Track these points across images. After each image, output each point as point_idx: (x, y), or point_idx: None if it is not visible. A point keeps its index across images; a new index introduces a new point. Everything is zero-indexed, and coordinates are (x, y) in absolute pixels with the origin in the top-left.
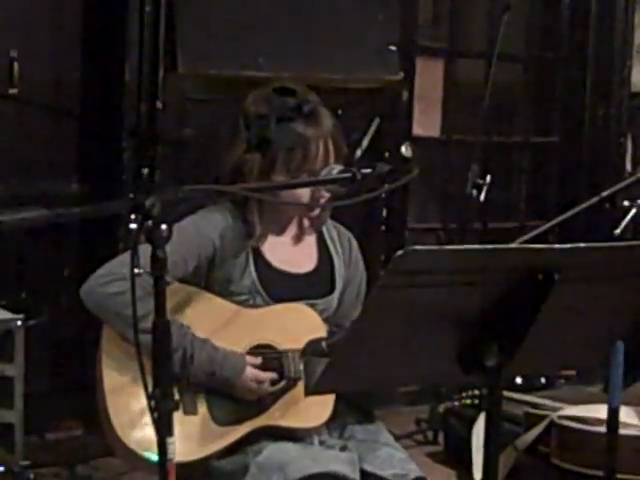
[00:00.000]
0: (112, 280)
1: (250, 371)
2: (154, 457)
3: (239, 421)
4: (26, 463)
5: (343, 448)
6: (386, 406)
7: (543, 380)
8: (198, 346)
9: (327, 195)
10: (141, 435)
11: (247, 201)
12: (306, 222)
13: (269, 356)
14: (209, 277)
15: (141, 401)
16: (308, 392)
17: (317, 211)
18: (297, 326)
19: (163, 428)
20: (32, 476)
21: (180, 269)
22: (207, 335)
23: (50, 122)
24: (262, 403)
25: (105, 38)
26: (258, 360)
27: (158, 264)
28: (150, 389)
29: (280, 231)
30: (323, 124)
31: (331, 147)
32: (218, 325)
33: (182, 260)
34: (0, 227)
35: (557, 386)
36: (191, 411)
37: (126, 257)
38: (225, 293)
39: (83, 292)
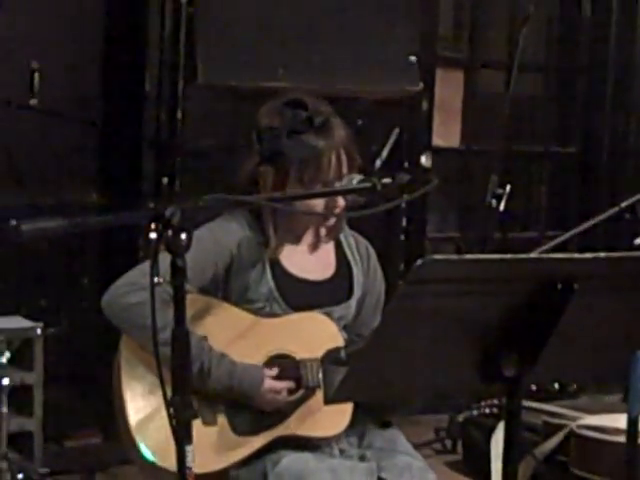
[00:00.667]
0: (132, 290)
1: (268, 383)
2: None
3: (258, 431)
4: (45, 470)
5: (362, 458)
6: (405, 415)
7: (557, 386)
8: (216, 360)
9: (342, 204)
10: (161, 444)
11: (261, 212)
12: (323, 231)
13: (287, 366)
14: (227, 286)
15: (160, 410)
16: (327, 401)
17: (333, 220)
18: (314, 335)
19: (182, 436)
20: None
21: (198, 278)
22: (225, 345)
23: (70, 132)
24: (280, 413)
25: (125, 49)
26: (275, 371)
27: (178, 273)
28: (169, 397)
29: (296, 240)
30: (335, 135)
31: (344, 158)
32: (236, 335)
33: (200, 269)
34: (21, 236)
35: (574, 393)
36: (210, 422)
37: (146, 267)
38: (242, 301)
39: (104, 302)
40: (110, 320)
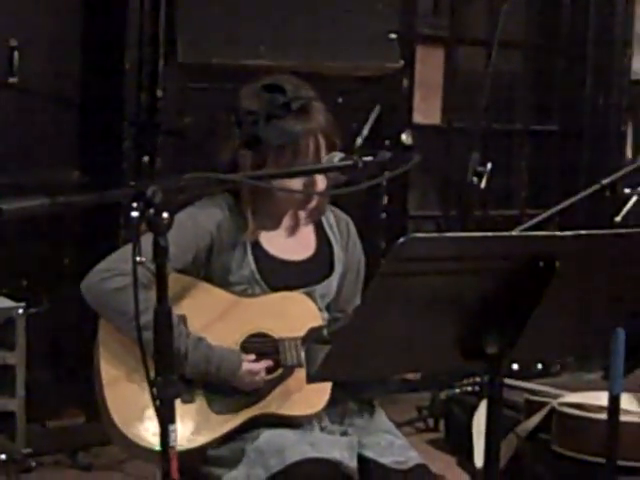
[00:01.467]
0: (112, 276)
1: (246, 365)
2: (155, 447)
3: (236, 409)
4: (28, 451)
5: (344, 434)
6: (386, 394)
7: (540, 366)
8: (192, 345)
9: (322, 185)
10: (139, 425)
11: (241, 196)
12: (302, 214)
13: (265, 344)
14: (208, 267)
15: (139, 392)
16: (310, 379)
17: (314, 203)
18: (293, 314)
19: (165, 415)
20: (33, 464)
21: (179, 261)
22: (204, 324)
23: (50, 111)
24: (259, 392)
25: (105, 27)
26: (252, 357)
27: (160, 252)
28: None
29: (274, 225)
30: (313, 120)
31: (322, 142)
32: (215, 315)
33: (181, 252)
34: (1, 215)
35: (555, 372)
36: (188, 400)
37: (126, 251)
38: (224, 283)
39: (83, 287)
40: (89, 304)
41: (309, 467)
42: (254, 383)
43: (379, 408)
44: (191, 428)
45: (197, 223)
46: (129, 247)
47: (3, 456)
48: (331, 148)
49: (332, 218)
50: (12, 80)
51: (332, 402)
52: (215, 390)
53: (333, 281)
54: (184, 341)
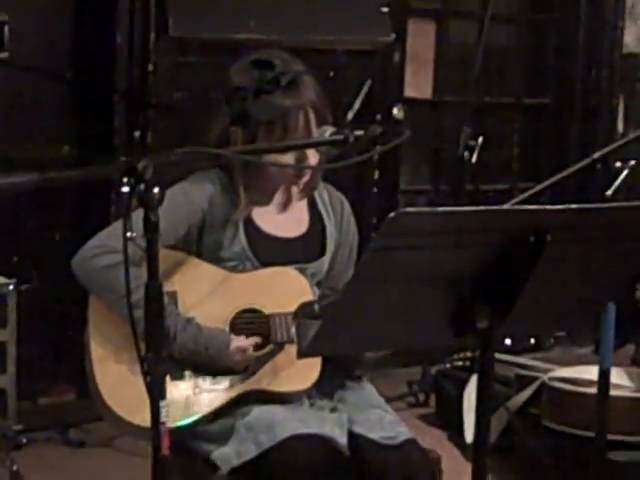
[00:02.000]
0: (101, 253)
1: (234, 344)
2: (146, 424)
3: (226, 386)
4: (19, 427)
5: (333, 410)
6: (376, 369)
7: (533, 341)
8: (182, 325)
9: (314, 160)
10: (130, 403)
11: (233, 171)
12: (294, 190)
13: (255, 320)
14: (199, 243)
15: (129, 369)
16: (300, 354)
17: (306, 178)
18: (284, 290)
19: (156, 391)
20: (25, 440)
21: (170, 236)
22: (195, 300)
23: (41, 86)
24: (249, 368)
25: (96, 1)
26: (241, 338)
27: (151, 227)
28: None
29: (266, 201)
30: (302, 95)
31: (312, 117)
32: (206, 290)
33: (172, 227)
34: None
35: (547, 347)
36: (177, 377)
37: (116, 228)
38: (215, 259)
39: (73, 264)
40: (80, 281)
41: (300, 443)
42: (244, 361)
43: (369, 383)
44: (181, 405)
45: (189, 198)
46: (119, 224)
47: None
48: (322, 122)
49: (326, 195)
50: (2, 55)
51: (322, 377)
52: (205, 368)
53: (325, 261)
54: (173, 321)
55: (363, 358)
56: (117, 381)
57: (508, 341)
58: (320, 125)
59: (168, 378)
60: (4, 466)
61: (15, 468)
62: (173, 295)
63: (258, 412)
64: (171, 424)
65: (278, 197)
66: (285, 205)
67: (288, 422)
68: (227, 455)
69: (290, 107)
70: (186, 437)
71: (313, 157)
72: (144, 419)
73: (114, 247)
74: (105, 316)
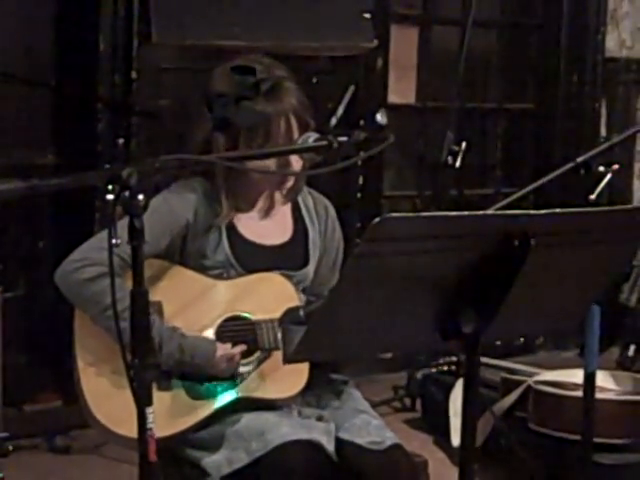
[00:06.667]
0: (85, 265)
1: (220, 352)
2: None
3: (214, 395)
4: (5, 435)
5: (319, 418)
6: (362, 374)
7: (522, 340)
8: (167, 335)
9: (298, 165)
10: (117, 413)
11: (215, 178)
12: (278, 195)
13: (242, 328)
14: (183, 252)
15: (114, 379)
16: (286, 360)
17: (290, 183)
18: (270, 296)
19: (142, 398)
20: (11, 447)
21: (153, 247)
22: (180, 308)
23: (23, 92)
24: (236, 376)
25: (78, 7)
26: (228, 345)
27: (136, 234)
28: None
29: (249, 207)
30: (284, 100)
31: (294, 123)
32: (190, 298)
33: (156, 239)
34: None
35: (535, 346)
36: (165, 387)
37: (98, 239)
38: (199, 268)
39: (56, 277)
40: (63, 294)
41: (292, 449)
42: (230, 369)
43: (355, 388)
44: (169, 415)
45: (172, 209)
46: (101, 235)
47: None
48: (304, 128)
49: (310, 201)
50: None
51: (308, 384)
52: (192, 376)
53: (310, 270)
54: (158, 331)
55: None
56: (103, 392)
57: (498, 341)
58: (302, 131)
59: (155, 388)
60: None
61: (1, 475)
62: (158, 305)
63: (247, 419)
64: (160, 434)
65: (261, 203)
66: (268, 211)
67: (279, 428)
68: (218, 463)
69: (271, 113)
70: (174, 444)
71: (296, 162)
72: (130, 429)
73: (95, 259)
74: (90, 327)
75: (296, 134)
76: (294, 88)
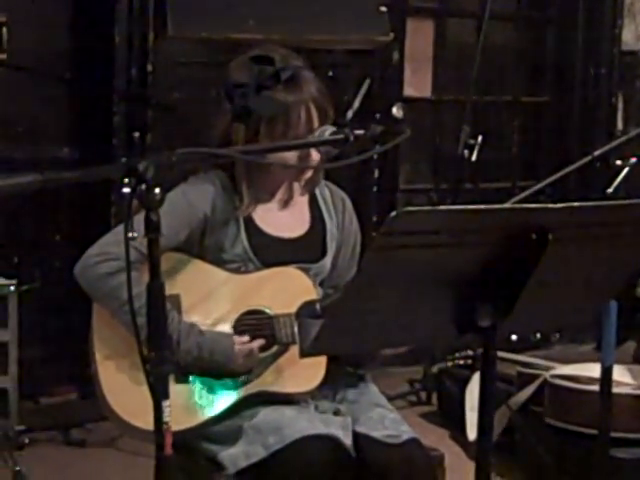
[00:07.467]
0: (105, 260)
1: (238, 347)
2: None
3: (232, 388)
4: (21, 428)
5: (336, 412)
6: (378, 367)
7: (538, 335)
8: (185, 332)
9: (316, 156)
10: (134, 406)
11: (234, 169)
12: (296, 186)
13: (260, 322)
14: (201, 245)
15: (131, 373)
16: (303, 354)
17: (309, 174)
18: (287, 290)
19: (159, 391)
20: (27, 440)
21: (171, 240)
22: (197, 302)
23: (40, 87)
24: (254, 370)
25: (95, 1)
26: (245, 338)
27: (152, 227)
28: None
29: (269, 198)
30: (304, 90)
31: (314, 112)
32: (209, 293)
33: (173, 232)
34: None
35: (552, 341)
36: (182, 380)
37: (116, 233)
38: (217, 261)
39: (76, 272)
40: (82, 289)
41: (309, 444)
42: (249, 363)
43: (371, 382)
44: (186, 408)
45: (190, 202)
46: (119, 229)
47: None
48: (324, 117)
49: (327, 193)
50: (1, 56)
51: (325, 378)
52: (210, 372)
53: (327, 262)
54: (176, 328)
55: (377, 354)
56: (121, 385)
57: (514, 336)
58: (322, 120)
59: (173, 382)
60: (7, 466)
61: (18, 468)
62: (176, 299)
63: (265, 413)
64: (177, 428)
65: (280, 193)
66: (287, 202)
67: (296, 423)
68: (235, 456)
69: (292, 102)
70: (190, 437)
71: (315, 154)
72: (147, 422)
73: (114, 254)
74: (108, 321)
75: (316, 123)
76: (313, 78)
